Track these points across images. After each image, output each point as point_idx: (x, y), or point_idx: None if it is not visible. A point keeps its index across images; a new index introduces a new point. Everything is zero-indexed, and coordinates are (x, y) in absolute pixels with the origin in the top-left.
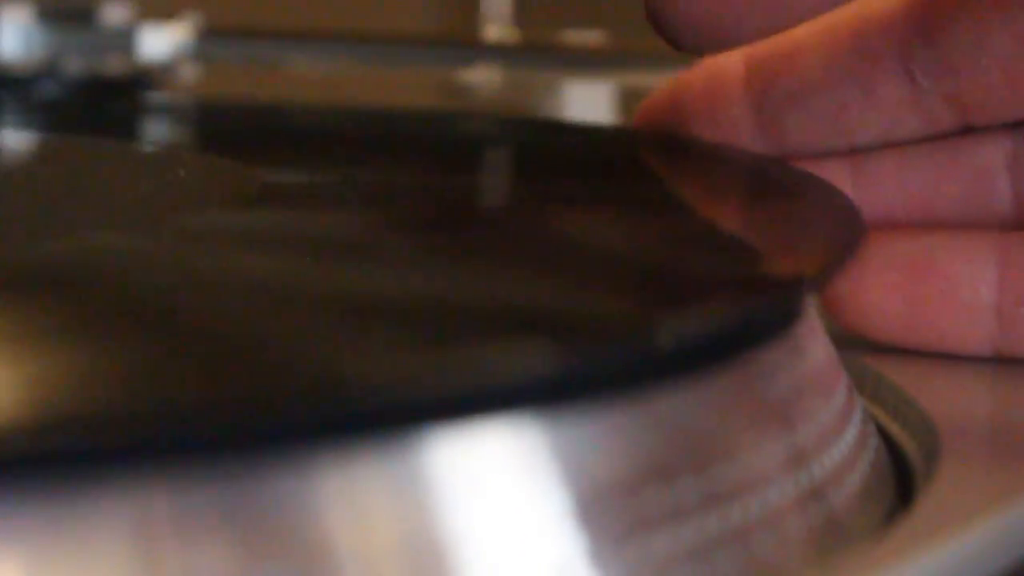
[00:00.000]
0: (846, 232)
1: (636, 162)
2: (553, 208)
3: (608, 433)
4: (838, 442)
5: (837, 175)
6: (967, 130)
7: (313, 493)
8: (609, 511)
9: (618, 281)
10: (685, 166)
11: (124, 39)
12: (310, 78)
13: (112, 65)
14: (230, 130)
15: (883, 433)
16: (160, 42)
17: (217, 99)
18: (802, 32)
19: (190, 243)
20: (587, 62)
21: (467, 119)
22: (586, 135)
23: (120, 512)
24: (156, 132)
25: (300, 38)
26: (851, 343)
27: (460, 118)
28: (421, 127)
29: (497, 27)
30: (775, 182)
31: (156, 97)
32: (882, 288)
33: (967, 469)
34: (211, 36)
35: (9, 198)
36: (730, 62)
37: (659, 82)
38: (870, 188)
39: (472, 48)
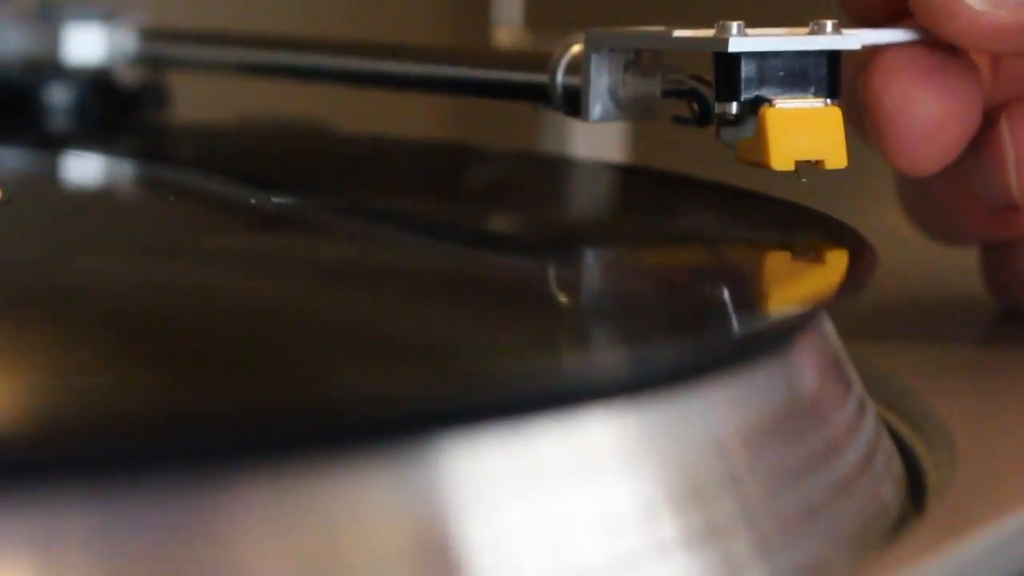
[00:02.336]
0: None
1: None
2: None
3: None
4: (848, 450)
5: None
6: None
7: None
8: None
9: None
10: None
11: (131, 41)
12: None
13: (120, 69)
14: (240, 153)
15: (897, 438)
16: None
17: (227, 122)
18: None
19: (200, 265)
20: None
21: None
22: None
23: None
24: (165, 153)
25: (307, 45)
26: (866, 346)
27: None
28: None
29: (507, 29)
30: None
31: (164, 118)
32: None
33: (981, 475)
34: (211, 40)
35: (19, 218)
36: None
37: None
38: None
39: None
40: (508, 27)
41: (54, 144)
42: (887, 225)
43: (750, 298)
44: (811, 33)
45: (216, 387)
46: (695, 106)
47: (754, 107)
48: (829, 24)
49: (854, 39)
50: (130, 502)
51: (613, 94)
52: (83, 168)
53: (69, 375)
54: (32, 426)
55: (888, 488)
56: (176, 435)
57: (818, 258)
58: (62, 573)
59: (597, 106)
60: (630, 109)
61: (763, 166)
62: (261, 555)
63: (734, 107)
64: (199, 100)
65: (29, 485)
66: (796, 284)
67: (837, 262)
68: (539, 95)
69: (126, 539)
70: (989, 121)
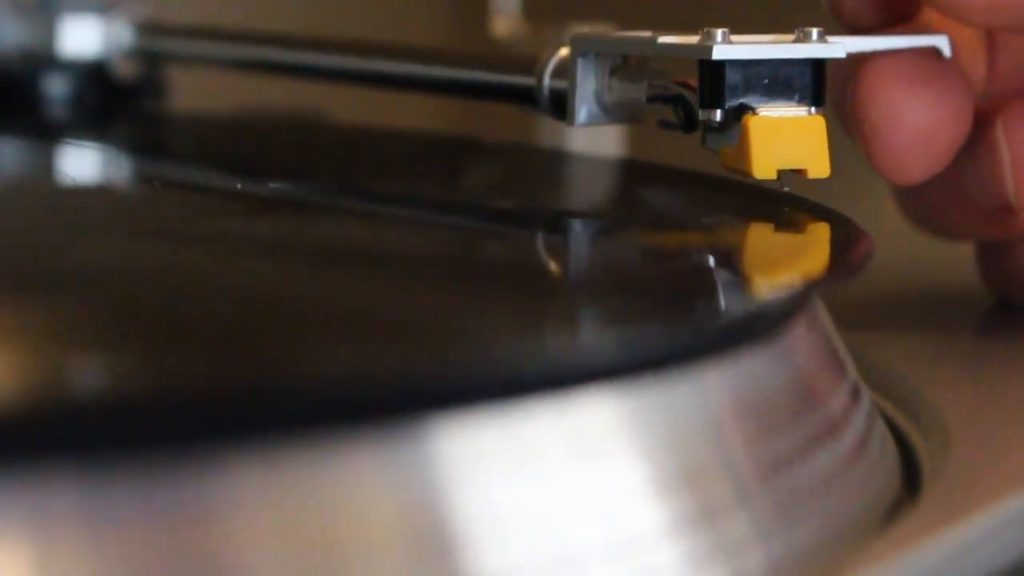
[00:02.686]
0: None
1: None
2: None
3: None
4: (842, 435)
5: None
6: None
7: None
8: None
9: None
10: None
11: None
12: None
13: (116, 62)
14: (238, 142)
15: (892, 425)
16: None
17: (228, 111)
18: None
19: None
20: None
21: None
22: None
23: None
24: (162, 143)
25: (299, 43)
26: (861, 335)
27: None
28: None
29: (506, 19)
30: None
31: (162, 109)
32: None
33: (976, 461)
34: (207, 35)
35: (16, 206)
36: None
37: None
38: None
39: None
40: (507, 17)
41: (51, 134)
42: (883, 216)
43: (744, 281)
44: (796, 41)
45: (209, 369)
46: (681, 112)
47: (738, 114)
48: (814, 32)
49: (839, 47)
50: (124, 484)
51: (599, 98)
52: (80, 158)
53: (63, 358)
54: (26, 408)
55: (882, 474)
56: (169, 416)
57: (813, 244)
58: (57, 556)
59: (583, 110)
60: (616, 113)
61: (746, 174)
62: (254, 536)
63: (718, 114)
64: (197, 90)
65: (23, 467)
66: (789, 267)
67: (832, 248)
68: (526, 98)
69: (120, 522)
70: (984, 123)
